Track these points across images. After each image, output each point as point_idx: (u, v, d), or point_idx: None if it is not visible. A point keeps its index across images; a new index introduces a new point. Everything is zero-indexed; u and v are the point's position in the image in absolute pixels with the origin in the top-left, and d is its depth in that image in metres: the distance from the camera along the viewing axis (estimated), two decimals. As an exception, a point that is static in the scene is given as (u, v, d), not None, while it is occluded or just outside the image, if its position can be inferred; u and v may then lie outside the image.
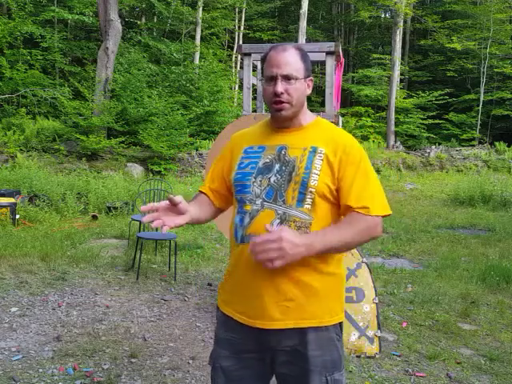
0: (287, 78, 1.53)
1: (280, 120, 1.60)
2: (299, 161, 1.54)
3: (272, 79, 1.54)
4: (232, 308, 1.61)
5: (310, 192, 1.51)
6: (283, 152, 1.58)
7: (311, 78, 1.62)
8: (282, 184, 1.54)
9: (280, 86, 1.52)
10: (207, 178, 1.78)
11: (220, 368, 1.62)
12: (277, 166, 1.56)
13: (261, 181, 1.57)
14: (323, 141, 1.58)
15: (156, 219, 1.47)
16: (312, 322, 1.53)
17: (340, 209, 1.56)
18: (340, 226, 1.51)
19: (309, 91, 1.62)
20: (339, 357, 1.57)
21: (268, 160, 1.58)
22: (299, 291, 1.51)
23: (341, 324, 1.61)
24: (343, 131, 1.66)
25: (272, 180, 1.55)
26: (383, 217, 1.53)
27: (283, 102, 1.54)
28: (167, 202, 1.51)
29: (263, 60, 1.61)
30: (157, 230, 6.07)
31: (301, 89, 1.56)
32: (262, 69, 1.64)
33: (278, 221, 1.51)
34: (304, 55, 1.58)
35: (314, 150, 1.55)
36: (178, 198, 1.51)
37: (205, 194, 1.76)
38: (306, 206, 1.52)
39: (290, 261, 1.37)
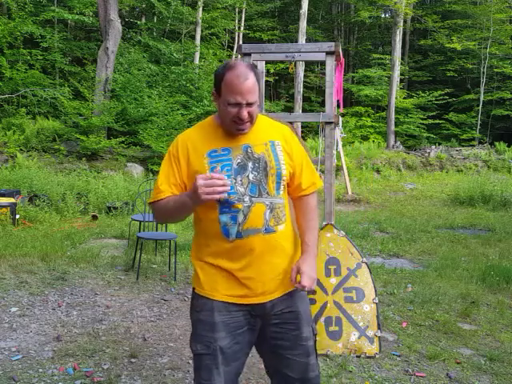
0: (250, 104, 1.70)
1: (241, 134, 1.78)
2: (267, 155, 1.79)
3: (236, 105, 1.69)
4: (226, 294, 1.82)
5: (283, 180, 1.81)
6: (249, 150, 1.78)
7: (259, 88, 1.77)
8: (261, 179, 1.77)
9: (245, 113, 1.70)
10: (163, 183, 1.80)
11: (219, 349, 1.79)
12: (250, 164, 1.77)
13: (241, 180, 1.75)
14: (274, 133, 1.85)
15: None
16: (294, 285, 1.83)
17: (289, 186, 1.88)
18: (309, 218, 1.90)
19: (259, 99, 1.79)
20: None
21: (240, 160, 1.77)
22: (286, 265, 1.84)
23: None
24: (277, 120, 1.94)
25: (251, 177, 1.76)
26: None
27: (246, 123, 1.73)
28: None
29: (220, 79, 1.70)
30: (157, 229, 6.07)
31: (257, 107, 1.74)
32: (217, 86, 1.72)
33: (268, 211, 1.76)
34: (256, 73, 1.73)
35: (273, 144, 1.81)
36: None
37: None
38: (280, 192, 1.82)
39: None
